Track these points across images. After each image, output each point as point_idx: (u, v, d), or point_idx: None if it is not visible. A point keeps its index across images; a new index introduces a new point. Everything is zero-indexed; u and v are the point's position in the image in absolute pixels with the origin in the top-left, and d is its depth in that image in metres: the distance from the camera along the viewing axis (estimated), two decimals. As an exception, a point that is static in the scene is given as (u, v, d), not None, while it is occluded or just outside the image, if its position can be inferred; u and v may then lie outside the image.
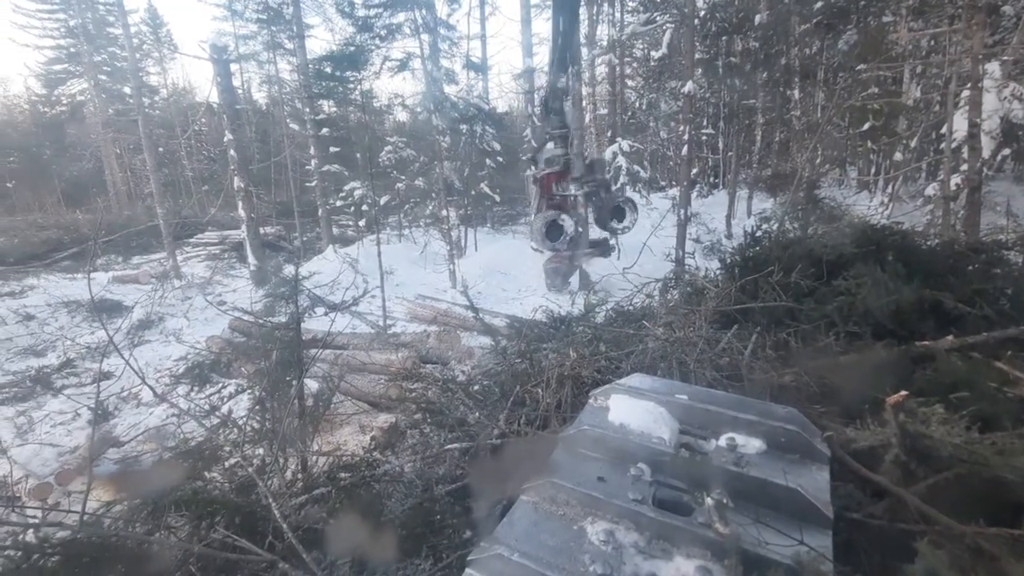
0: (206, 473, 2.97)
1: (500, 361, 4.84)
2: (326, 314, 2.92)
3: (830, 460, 1.71)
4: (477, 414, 3.52)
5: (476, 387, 4.09)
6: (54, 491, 3.63)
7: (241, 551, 2.32)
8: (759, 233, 5.14)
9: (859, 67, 12.49)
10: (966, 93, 7.80)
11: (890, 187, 12.50)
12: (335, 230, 15.12)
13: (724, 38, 12.05)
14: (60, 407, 5.26)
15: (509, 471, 2.78)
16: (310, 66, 11.49)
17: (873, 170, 13.43)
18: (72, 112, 31.64)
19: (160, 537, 2.33)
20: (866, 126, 12.20)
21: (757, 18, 11.76)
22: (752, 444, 1.72)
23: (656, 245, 9.23)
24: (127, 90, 30.07)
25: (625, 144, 12.73)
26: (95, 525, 2.58)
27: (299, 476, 2.80)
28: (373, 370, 4.93)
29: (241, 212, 9.49)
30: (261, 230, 12.57)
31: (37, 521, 3.18)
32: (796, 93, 13.20)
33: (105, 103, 27.91)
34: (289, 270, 3.11)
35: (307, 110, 11.92)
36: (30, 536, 2.56)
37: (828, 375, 3.33)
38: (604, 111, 15.73)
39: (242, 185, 9.12)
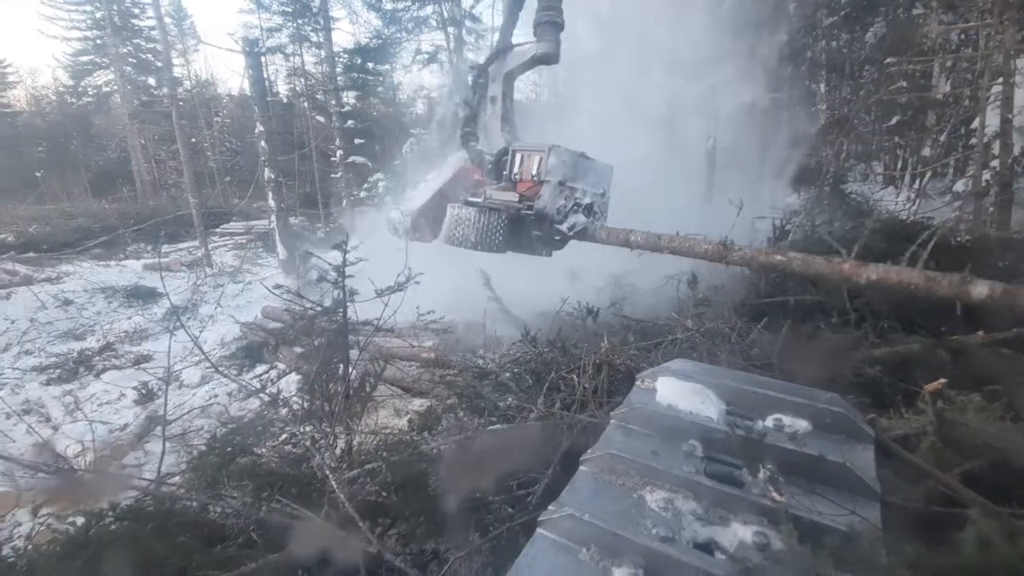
0: (256, 449, 3.12)
1: (529, 350, 4.95)
2: (380, 297, 3.03)
3: (875, 440, 1.77)
4: (511, 399, 3.63)
5: (507, 374, 4.20)
6: (112, 464, 3.84)
7: (300, 519, 2.45)
8: (788, 226, 5.18)
9: (887, 60, 12.29)
10: (997, 88, 7.67)
11: (917, 183, 12.31)
12: (355, 220, 15.31)
13: (751, 30, 11.94)
14: (104, 387, 5.49)
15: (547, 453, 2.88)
16: (343, 58, 11.65)
17: (900, 165, 13.23)
18: (98, 103, 32.25)
19: (224, 503, 2.46)
20: (894, 120, 12.03)
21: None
22: (798, 424, 1.79)
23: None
24: (151, 81, 30.59)
25: (645, 138, 12.68)
26: (159, 493, 2.74)
27: (349, 452, 2.93)
28: (405, 355, 5.07)
29: (271, 202, 9.72)
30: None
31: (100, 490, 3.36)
32: (822, 87, 13.03)
33: (130, 94, 28.41)
34: (335, 256, 3.23)
35: (333, 102, 12.10)
36: (103, 503, 2.73)
37: (861, 367, 3.38)
38: (623, 105, 15.67)
39: (272, 176, 9.35)
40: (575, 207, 5.16)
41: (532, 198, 4.97)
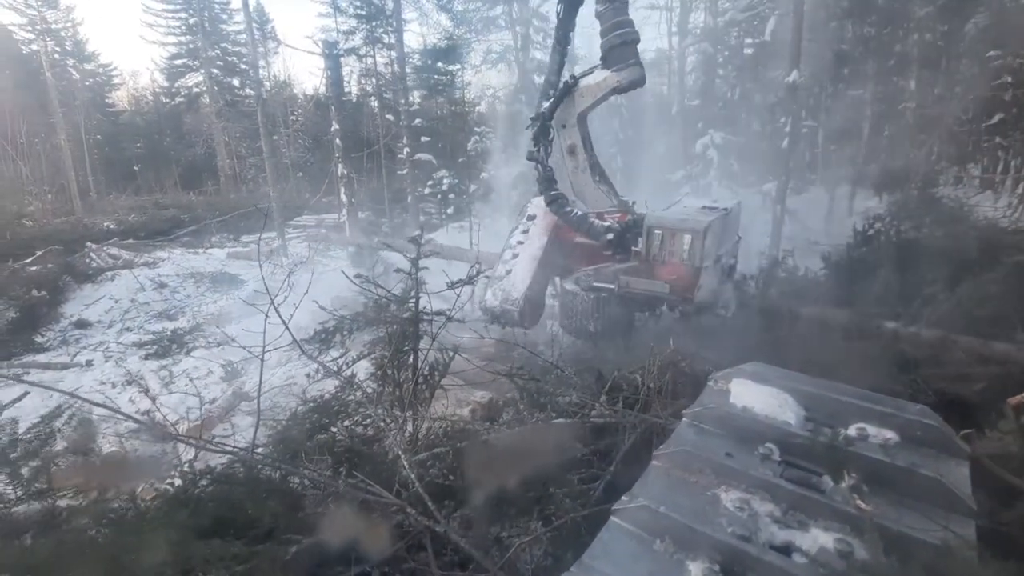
0: (332, 428, 3.30)
1: (591, 347, 4.95)
2: (451, 287, 3.15)
3: (970, 457, 1.68)
4: (574, 395, 3.65)
5: (568, 371, 4.23)
6: (204, 433, 4.21)
7: (373, 495, 2.59)
8: (871, 232, 4.89)
9: (990, 54, 11.25)
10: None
11: (1020, 187, 11.21)
12: (420, 217, 15.84)
13: (833, 24, 11.30)
14: (194, 364, 5.99)
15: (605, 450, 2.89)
16: (413, 59, 12.11)
17: (1000, 167, 12.08)
18: (188, 103, 34.73)
19: (308, 473, 2.63)
20: (996, 119, 11.00)
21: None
22: (884, 435, 1.72)
23: (750, 242, 8.87)
24: (236, 82, 32.69)
25: (718, 136, 12.27)
26: (249, 460, 2.96)
27: (416, 436, 3.05)
28: (469, 347, 5.20)
29: (343, 197, 10.25)
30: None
31: (195, 452, 3.67)
32: (912, 83, 12.11)
33: (217, 95, 30.47)
34: (409, 250, 3.34)
35: (402, 101, 12.56)
36: (198, 465, 2.98)
37: (946, 384, 3.17)
38: (696, 102, 15.20)
39: (345, 172, 9.83)
40: (725, 278, 4.65)
41: (688, 288, 4.41)
